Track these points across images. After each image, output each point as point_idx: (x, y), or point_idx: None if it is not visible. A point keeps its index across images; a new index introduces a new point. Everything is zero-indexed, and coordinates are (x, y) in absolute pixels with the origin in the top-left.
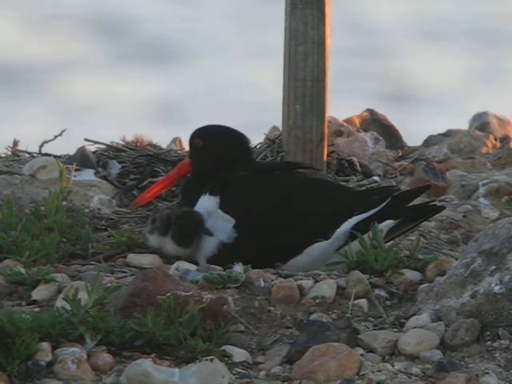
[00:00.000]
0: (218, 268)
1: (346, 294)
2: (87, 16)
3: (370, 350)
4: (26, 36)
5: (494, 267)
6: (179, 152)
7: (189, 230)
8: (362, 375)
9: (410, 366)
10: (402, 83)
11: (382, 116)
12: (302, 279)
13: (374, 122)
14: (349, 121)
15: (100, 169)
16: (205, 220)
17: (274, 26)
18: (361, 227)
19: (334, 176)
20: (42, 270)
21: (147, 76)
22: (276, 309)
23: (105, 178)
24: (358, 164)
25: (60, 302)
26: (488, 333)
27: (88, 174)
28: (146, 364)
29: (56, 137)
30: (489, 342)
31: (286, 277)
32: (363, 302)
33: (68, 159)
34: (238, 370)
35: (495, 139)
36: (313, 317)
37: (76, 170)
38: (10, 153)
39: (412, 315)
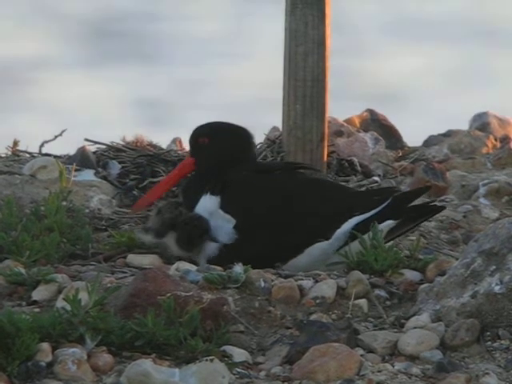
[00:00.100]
0: (218, 268)
1: (346, 294)
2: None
3: (370, 351)
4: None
5: (494, 267)
6: (179, 152)
7: (195, 236)
8: (362, 375)
9: (410, 367)
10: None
11: (382, 116)
12: (302, 279)
13: (374, 122)
14: (349, 121)
15: (100, 169)
16: (210, 227)
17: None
18: (361, 227)
19: (334, 176)
20: (42, 270)
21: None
22: (276, 309)
23: (105, 178)
24: (358, 164)
25: (60, 303)
26: (488, 333)
27: (88, 174)
28: (146, 364)
29: (56, 137)
30: (489, 343)
31: (286, 277)
32: (363, 302)
33: (68, 159)
34: (238, 370)
35: (495, 139)
36: (313, 317)
37: (76, 170)
38: (10, 153)
39: (412, 315)
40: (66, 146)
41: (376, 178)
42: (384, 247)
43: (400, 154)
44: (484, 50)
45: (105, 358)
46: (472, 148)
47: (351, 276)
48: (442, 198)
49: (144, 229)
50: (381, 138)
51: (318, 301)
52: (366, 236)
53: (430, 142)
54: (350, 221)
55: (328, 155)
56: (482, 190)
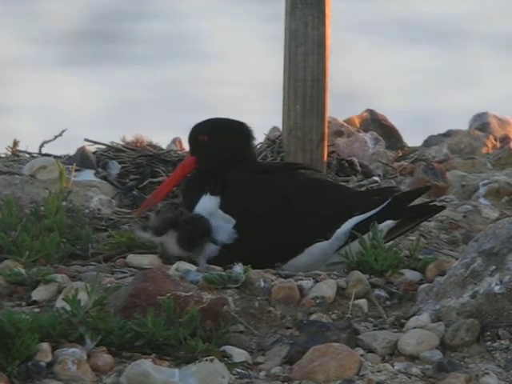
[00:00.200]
0: (218, 268)
1: (346, 294)
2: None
3: (370, 351)
4: None
5: (494, 267)
6: (179, 152)
7: (195, 236)
8: (362, 375)
9: (410, 367)
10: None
11: (382, 116)
12: (302, 279)
13: (374, 123)
14: (349, 121)
15: (100, 169)
16: (211, 227)
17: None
18: (361, 227)
19: (334, 176)
20: (42, 270)
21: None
22: (276, 309)
23: (105, 178)
24: (358, 164)
25: (60, 303)
26: (488, 333)
27: (88, 175)
28: (145, 364)
29: (56, 137)
30: (489, 343)
31: (286, 277)
32: (363, 302)
33: (68, 159)
34: (238, 370)
35: (495, 139)
36: (313, 317)
37: (76, 171)
38: (9, 153)
39: (412, 315)
40: (66, 147)
41: (376, 178)
42: (384, 247)
43: (400, 154)
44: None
45: (105, 358)
46: (472, 148)
47: (351, 276)
48: (442, 198)
49: (142, 227)
50: (381, 138)
51: (317, 301)
52: (365, 236)
53: (429, 141)
54: (349, 221)
55: (328, 155)
56: (481, 190)
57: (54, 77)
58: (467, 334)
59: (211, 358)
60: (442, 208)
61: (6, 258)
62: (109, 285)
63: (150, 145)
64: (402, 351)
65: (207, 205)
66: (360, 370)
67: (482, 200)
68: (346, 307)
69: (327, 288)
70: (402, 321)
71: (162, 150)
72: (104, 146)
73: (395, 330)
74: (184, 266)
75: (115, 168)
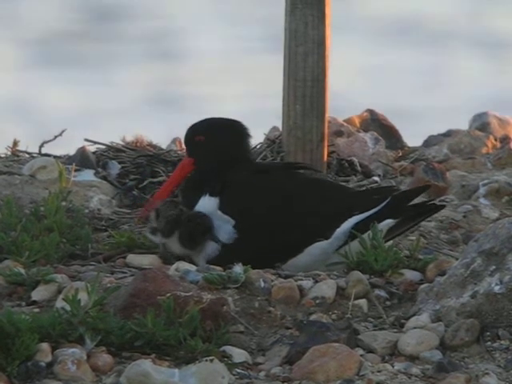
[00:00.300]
0: (218, 268)
1: (345, 294)
2: None
3: (370, 351)
4: None
5: (494, 267)
6: (179, 152)
7: (197, 234)
8: (362, 376)
9: (410, 367)
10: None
11: (382, 116)
12: (301, 279)
13: (374, 122)
14: (349, 121)
15: (100, 169)
16: (213, 225)
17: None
18: (361, 227)
19: (334, 176)
20: (42, 270)
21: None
22: (276, 309)
23: (105, 178)
24: (358, 164)
25: (60, 303)
26: (488, 333)
27: (88, 175)
28: (145, 364)
29: (56, 137)
30: (489, 343)
31: (286, 277)
32: (363, 302)
33: (68, 159)
34: (238, 370)
35: (495, 139)
36: (313, 317)
37: (76, 171)
38: (9, 153)
39: (412, 315)
40: (66, 146)
41: (376, 178)
42: (384, 247)
43: (400, 154)
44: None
45: (104, 358)
46: (472, 148)
47: (351, 276)
48: (442, 198)
49: (151, 230)
50: (381, 138)
51: (317, 301)
52: (365, 235)
53: (429, 142)
54: (349, 220)
55: (328, 155)
56: (481, 190)
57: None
58: (467, 334)
59: (211, 358)
60: (442, 207)
61: (5, 258)
62: (109, 285)
63: (150, 145)
64: (401, 351)
65: (206, 205)
66: (360, 370)
67: (482, 200)
68: (346, 307)
69: (327, 288)
70: (402, 321)
71: (162, 149)
72: (104, 146)
73: (395, 330)
74: (184, 266)
75: (115, 168)
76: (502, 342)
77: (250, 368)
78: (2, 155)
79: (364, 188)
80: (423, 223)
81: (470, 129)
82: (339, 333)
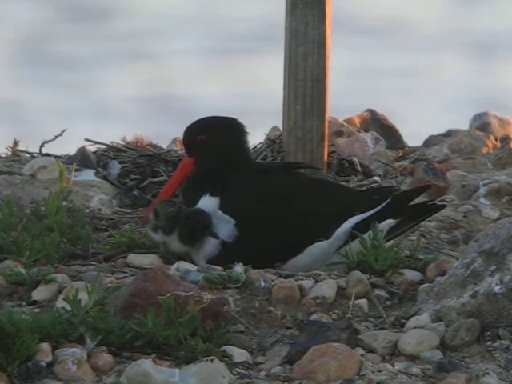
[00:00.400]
0: (219, 268)
1: (346, 294)
2: None
3: (371, 351)
4: None
5: (494, 267)
6: (179, 152)
7: (196, 230)
8: (363, 375)
9: (410, 367)
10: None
11: (383, 116)
12: (302, 279)
13: (375, 122)
14: (349, 121)
15: (100, 169)
16: (212, 222)
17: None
18: (361, 227)
19: (334, 176)
20: (43, 270)
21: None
22: (276, 309)
23: (105, 178)
24: (358, 164)
25: (60, 303)
26: (488, 333)
27: (88, 174)
28: (146, 364)
29: (56, 137)
30: (489, 343)
31: (286, 277)
32: (363, 302)
33: (68, 159)
34: (239, 370)
35: (496, 139)
36: (313, 317)
37: (76, 170)
38: (10, 153)
39: (412, 315)
40: (66, 146)
41: (376, 178)
42: (384, 247)
43: (400, 154)
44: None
45: (105, 358)
46: (472, 148)
47: (351, 276)
48: (443, 198)
49: (153, 227)
50: (381, 137)
51: (318, 301)
52: (366, 235)
53: (430, 141)
54: (349, 220)
55: (328, 155)
56: (482, 190)
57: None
58: (467, 334)
59: (211, 358)
60: (442, 207)
61: (6, 258)
62: (109, 285)
63: (151, 145)
64: (402, 351)
65: (207, 205)
66: (360, 370)
67: (482, 200)
68: (347, 307)
69: (327, 288)
70: (403, 321)
71: (163, 149)
72: (104, 146)
73: (395, 329)
74: (184, 265)
75: (115, 168)
76: (503, 341)
77: (250, 368)
78: (3, 155)
79: (364, 188)
80: (423, 223)
81: (470, 129)
82: (339, 332)
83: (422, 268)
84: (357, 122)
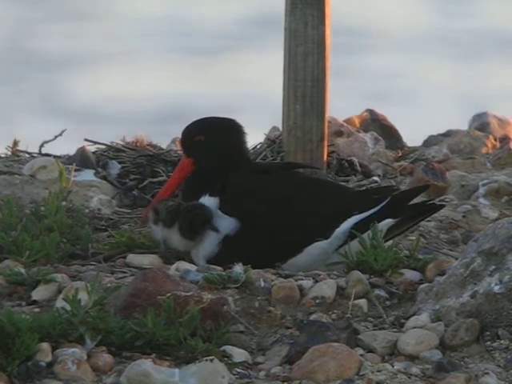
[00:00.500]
0: (218, 268)
1: (345, 294)
2: None
3: (370, 350)
4: None
5: (493, 267)
6: (179, 152)
7: (197, 224)
8: (362, 375)
9: (410, 366)
10: None
11: (382, 116)
12: (302, 279)
13: (374, 123)
14: (349, 121)
15: (100, 169)
16: (213, 215)
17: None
18: (360, 226)
19: (333, 176)
20: (42, 270)
21: None
22: (276, 309)
23: (105, 178)
24: (357, 164)
25: (60, 303)
26: (488, 333)
27: (88, 175)
28: (146, 364)
29: (56, 137)
30: (488, 342)
31: (286, 277)
32: (363, 302)
33: (68, 159)
34: (238, 370)
35: (495, 139)
36: (313, 317)
37: (76, 171)
38: (10, 153)
39: (412, 315)
40: (66, 146)
41: (376, 178)
42: (384, 247)
43: (400, 154)
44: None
45: (105, 358)
46: (472, 148)
47: (351, 276)
48: (442, 198)
49: (154, 220)
50: (380, 138)
51: (317, 301)
52: (365, 235)
53: (429, 141)
54: (349, 220)
55: (328, 155)
56: (481, 190)
57: None
58: (467, 334)
59: (211, 357)
60: (442, 206)
61: (6, 258)
62: (109, 285)
63: (150, 145)
64: (401, 351)
65: (207, 205)
66: (360, 370)
67: (481, 200)
68: (346, 307)
69: (327, 288)
70: (402, 321)
71: (162, 149)
72: (104, 146)
73: (395, 329)
74: (184, 265)
75: (115, 168)
76: (502, 341)
77: (250, 368)
78: (2, 155)
79: (364, 188)
80: (423, 223)
81: (469, 129)
82: (339, 332)
83: (421, 268)
84: (356, 122)
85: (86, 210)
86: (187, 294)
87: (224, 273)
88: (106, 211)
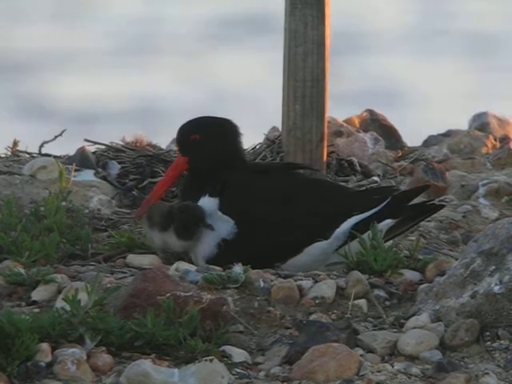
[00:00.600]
0: (218, 268)
1: (345, 294)
2: None
3: (370, 351)
4: None
5: (493, 267)
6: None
7: (190, 224)
8: (362, 375)
9: (410, 367)
10: None
11: (382, 116)
12: (301, 279)
13: (374, 123)
14: (348, 121)
15: (100, 169)
16: (206, 214)
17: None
18: (360, 227)
19: (333, 176)
20: (42, 270)
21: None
22: (275, 309)
23: (104, 178)
24: (357, 164)
25: (60, 303)
26: (488, 333)
27: (88, 175)
28: (145, 364)
29: (56, 137)
30: (488, 343)
31: (285, 277)
32: (363, 302)
33: (68, 159)
34: (238, 370)
35: (495, 139)
36: (312, 317)
37: (76, 171)
38: (9, 153)
39: (411, 315)
40: (66, 146)
41: (375, 178)
42: (383, 247)
43: (399, 154)
44: None
45: (104, 359)
46: (471, 148)
47: (351, 276)
48: (442, 198)
49: (149, 224)
50: (380, 138)
51: (317, 301)
52: (365, 236)
53: (429, 142)
54: (349, 220)
55: (327, 155)
56: (481, 190)
57: None
58: (467, 334)
59: (211, 358)
60: (442, 207)
61: (5, 258)
62: (109, 285)
63: (150, 145)
64: (401, 351)
65: (206, 206)
66: (360, 370)
67: (481, 200)
68: (346, 307)
69: (327, 288)
70: (402, 321)
71: (162, 149)
72: (104, 146)
73: (395, 330)
74: (183, 266)
75: (115, 168)
76: (502, 341)
77: (249, 368)
78: (2, 155)
79: (364, 188)
80: (423, 223)
81: (469, 129)
82: (339, 333)
83: (421, 268)
84: (356, 122)
85: (86, 210)
86: (187, 294)
87: (223, 273)
88: (106, 211)
